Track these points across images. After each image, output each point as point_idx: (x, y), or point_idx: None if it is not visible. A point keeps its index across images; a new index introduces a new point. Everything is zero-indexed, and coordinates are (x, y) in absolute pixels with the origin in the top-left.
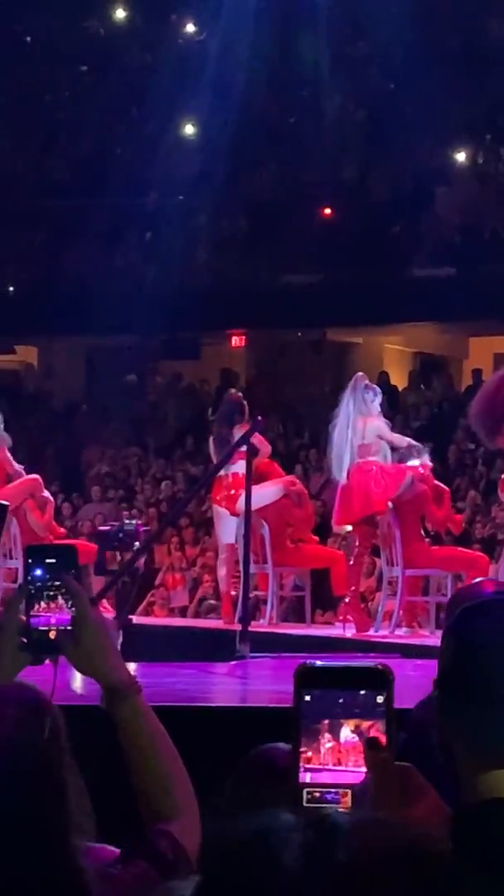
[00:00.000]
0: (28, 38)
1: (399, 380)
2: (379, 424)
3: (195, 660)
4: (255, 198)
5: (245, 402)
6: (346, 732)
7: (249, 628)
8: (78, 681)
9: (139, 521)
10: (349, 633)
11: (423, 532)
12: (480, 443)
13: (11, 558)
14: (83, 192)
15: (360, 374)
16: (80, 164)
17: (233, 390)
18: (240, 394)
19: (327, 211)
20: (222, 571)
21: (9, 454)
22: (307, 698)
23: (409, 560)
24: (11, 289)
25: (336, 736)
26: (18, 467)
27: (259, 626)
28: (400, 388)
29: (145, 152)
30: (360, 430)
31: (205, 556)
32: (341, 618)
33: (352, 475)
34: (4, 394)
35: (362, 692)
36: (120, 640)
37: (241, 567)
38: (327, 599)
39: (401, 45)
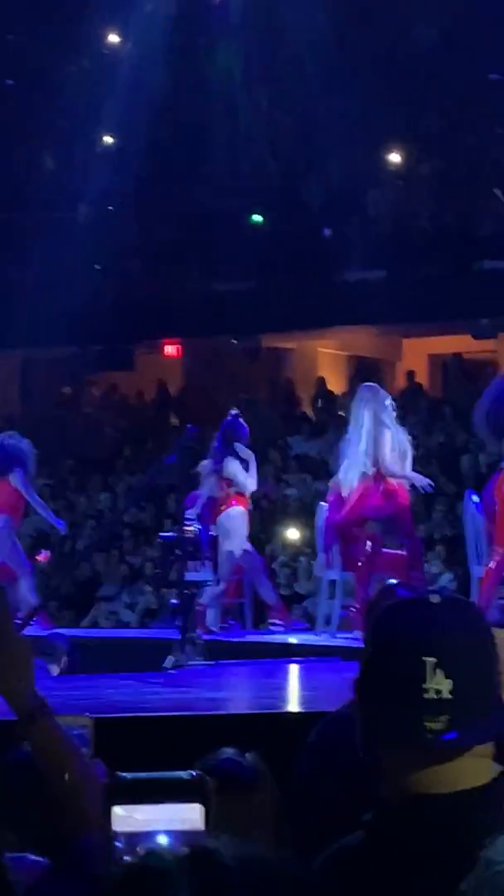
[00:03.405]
0: None
1: (334, 384)
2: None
3: (140, 670)
4: (185, 207)
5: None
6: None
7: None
8: None
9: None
10: (293, 638)
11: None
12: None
13: None
14: (13, 205)
15: (369, 384)
16: (10, 177)
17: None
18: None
19: (257, 217)
20: None
21: None
22: (119, 811)
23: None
24: None
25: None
26: None
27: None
28: (336, 393)
29: (74, 164)
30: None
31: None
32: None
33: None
34: None
35: (177, 805)
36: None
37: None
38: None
39: (324, 50)
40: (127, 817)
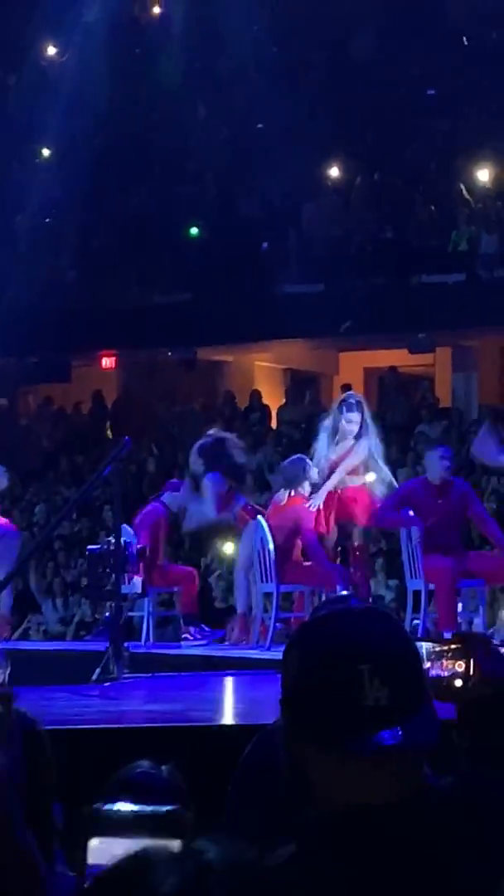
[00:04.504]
0: None
1: (271, 397)
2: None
3: (74, 683)
4: (123, 218)
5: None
6: None
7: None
8: None
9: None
10: (230, 652)
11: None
12: None
13: None
14: None
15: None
16: None
17: (213, 430)
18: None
19: (194, 230)
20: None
21: None
22: (95, 844)
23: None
24: None
25: None
26: None
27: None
28: (272, 406)
29: (11, 175)
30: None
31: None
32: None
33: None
34: None
35: (155, 840)
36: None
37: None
38: (208, 617)
39: (262, 63)
40: (103, 850)
